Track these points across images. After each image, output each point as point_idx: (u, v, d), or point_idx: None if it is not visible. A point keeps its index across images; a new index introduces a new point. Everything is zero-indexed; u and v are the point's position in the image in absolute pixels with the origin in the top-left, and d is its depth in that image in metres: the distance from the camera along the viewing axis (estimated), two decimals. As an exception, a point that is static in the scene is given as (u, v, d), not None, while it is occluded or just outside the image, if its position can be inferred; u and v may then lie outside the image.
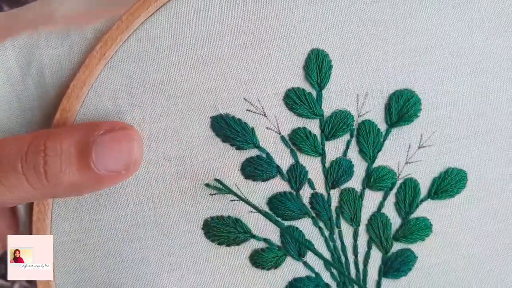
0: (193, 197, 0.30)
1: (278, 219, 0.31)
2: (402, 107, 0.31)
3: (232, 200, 0.30)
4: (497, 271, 0.32)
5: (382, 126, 0.31)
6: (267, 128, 0.30)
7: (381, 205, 0.31)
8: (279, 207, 0.30)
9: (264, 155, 0.30)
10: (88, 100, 0.30)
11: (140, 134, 0.30)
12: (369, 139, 0.31)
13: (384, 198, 0.31)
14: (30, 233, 0.30)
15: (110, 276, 0.30)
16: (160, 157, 0.30)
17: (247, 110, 0.30)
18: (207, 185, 0.30)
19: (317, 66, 0.30)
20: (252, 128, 0.30)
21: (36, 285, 0.30)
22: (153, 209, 0.30)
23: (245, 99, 0.30)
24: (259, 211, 0.30)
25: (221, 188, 0.30)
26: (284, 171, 0.30)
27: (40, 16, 0.31)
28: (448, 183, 0.31)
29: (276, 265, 0.31)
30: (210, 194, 0.30)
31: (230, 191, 0.30)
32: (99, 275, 0.30)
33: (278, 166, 0.30)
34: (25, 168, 0.26)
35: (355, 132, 0.31)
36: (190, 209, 0.30)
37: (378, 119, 0.31)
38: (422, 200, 0.31)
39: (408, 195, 0.31)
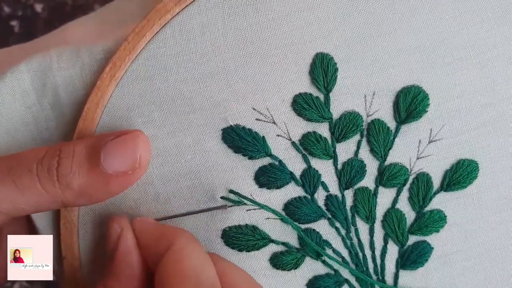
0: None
1: (295, 223, 0.31)
2: (410, 104, 0.31)
3: (249, 210, 0.31)
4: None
5: (392, 124, 0.31)
6: (278, 135, 0.31)
7: (395, 201, 0.32)
8: (296, 212, 0.31)
9: (276, 163, 0.31)
10: (102, 121, 0.31)
11: (154, 151, 0.31)
12: (379, 138, 0.31)
13: (398, 194, 0.32)
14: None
15: None
16: (176, 172, 0.31)
17: (257, 119, 0.31)
18: (223, 198, 0.31)
19: (323, 70, 0.31)
20: (263, 137, 0.31)
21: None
22: (172, 222, 0.31)
23: (253, 108, 0.31)
24: (278, 215, 0.31)
25: (236, 199, 0.30)
26: (298, 177, 0.31)
27: (53, 44, 0.32)
28: (460, 175, 0.32)
29: (296, 266, 0.32)
30: (227, 206, 0.31)
31: (247, 199, 0.30)
32: None
33: (291, 172, 0.31)
34: (39, 170, 0.28)
35: (365, 132, 0.31)
36: (208, 221, 0.31)
37: (387, 117, 0.31)
38: (435, 193, 0.32)
39: (421, 189, 0.32)
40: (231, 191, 0.31)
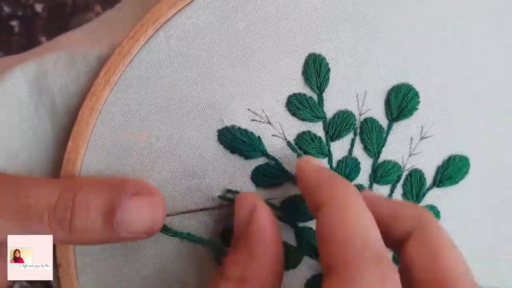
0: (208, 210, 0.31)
1: (293, 221, 0.32)
2: (401, 102, 0.32)
3: (247, 209, 0.31)
4: (503, 240, 0.34)
5: (384, 122, 0.32)
6: (273, 135, 0.31)
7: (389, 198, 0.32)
8: (292, 211, 0.32)
9: (272, 162, 0.31)
10: (97, 126, 0.31)
11: (152, 155, 0.31)
12: (372, 136, 0.32)
13: (392, 190, 0.32)
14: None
15: None
16: (175, 174, 0.31)
17: (252, 120, 0.31)
18: (220, 197, 0.31)
19: (316, 70, 0.31)
20: (259, 137, 0.31)
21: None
22: (171, 224, 0.31)
23: (249, 109, 0.31)
24: (275, 214, 0.31)
25: (233, 198, 0.31)
26: (294, 175, 0.32)
27: (47, 49, 0.32)
28: (452, 170, 0.32)
29: (294, 266, 0.32)
30: (225, 205, 0.31)
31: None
32: None
33: (287, 171, 0.31)
34: (51, 220, 0.27)
35: (358, 131, 0.32)
36: (206, 220, 0.31)
37: (379, 115, 0.32)
38: (428, 189, 0.33)
39: (415, 185, 0.32)
40: (228, 190, 0.31)
